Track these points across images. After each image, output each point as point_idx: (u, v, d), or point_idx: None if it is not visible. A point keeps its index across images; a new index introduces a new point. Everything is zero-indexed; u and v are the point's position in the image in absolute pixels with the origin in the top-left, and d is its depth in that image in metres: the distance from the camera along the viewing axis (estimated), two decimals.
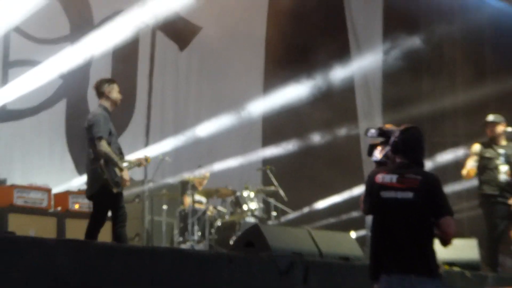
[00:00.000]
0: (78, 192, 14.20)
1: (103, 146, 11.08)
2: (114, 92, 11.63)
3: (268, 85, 19.72)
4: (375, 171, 7.80)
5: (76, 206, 14.04)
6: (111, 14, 17.22)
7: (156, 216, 15.71)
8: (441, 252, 7.89)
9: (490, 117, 13.64)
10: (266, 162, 18.54)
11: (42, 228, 13.16)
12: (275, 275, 9.78)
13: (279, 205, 16.37)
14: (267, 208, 16.20)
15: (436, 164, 21.95)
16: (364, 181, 8.06)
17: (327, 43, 20.31)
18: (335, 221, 19.22)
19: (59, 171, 16.20)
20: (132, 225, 11.99)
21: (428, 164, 21.14)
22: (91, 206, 11.40)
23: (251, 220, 15.17)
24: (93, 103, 16.57)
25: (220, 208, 16.02)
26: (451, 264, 11.41)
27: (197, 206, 15.44)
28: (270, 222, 15.82)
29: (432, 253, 7.54)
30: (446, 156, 22.54)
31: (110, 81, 11.83)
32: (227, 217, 15.60)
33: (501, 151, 13.31)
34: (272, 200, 16.32)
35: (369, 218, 8.24)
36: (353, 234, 15.72)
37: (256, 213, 15.54)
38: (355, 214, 18.98)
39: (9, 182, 14.29)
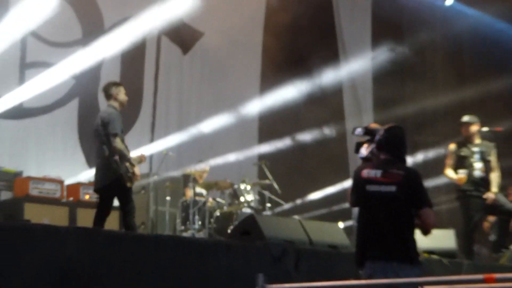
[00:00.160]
0: (89, 184, 14.20)
1: (118, 143, 11.17)
2: (121, 94, 11.66)
3: (264, 87, 19.72)
4: (361, 166, 7.84)
5: (87, 197, 14.05)
6: (120, 20, 17.22)
7: (160, 207, 15.72)
8: (421, 241, 7.94)
9: (465, 118, 13.69)
10: (262, 157, 18.54)
11: (55, 217, 13.17)
12: (269, 261, 9.80)
13: (273, 197, 16.38)
14: (262, 200, 16.20)
15: (418, 161, 22.00)
16: (351, 175, 8.09)
17: (318, 50, 20.35)
18: (325, 212, 19.20)
19: (71, 164, 16.18)
20: (138, 214, 11.95)
21: (410, 161, 21.20)
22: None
23: (247, 211, 15.16)
24: (103, 102, 16.59)
25: (219, 199, 16.01)
26: (430, 252, 11.42)
27: (197, 197, 15.44)
28: (265, 213, 15.82)
29: (413, 242, 7.58)
30: (427, 154, 22.58)
31: (117, 84, 11.88)
32: (225, 208, 15.58)
33: (476, 149, 13.35)
34: (267, 193, 16.32)
35: (355, 210, 8.26)
36: (340, 224, 15.72)
37: (252, 204, 15.54)
38: (342, 206, 19.03)
39: (25, 174, 14.28)
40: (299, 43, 19.60)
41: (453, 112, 19.91)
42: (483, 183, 13.20)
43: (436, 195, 20.44)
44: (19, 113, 15.82)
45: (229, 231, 13.86)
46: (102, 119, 11.26)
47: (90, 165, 15.95)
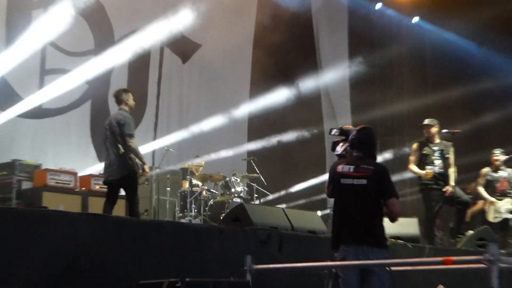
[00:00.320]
0: (99, 176, 14.15)
1: (134, 143, 11.20)
2: (131, 99, 11.65)
3: (253, 93, 19.72)
4: (336, 162, 7.86)
5: (97, 187, 14.01)
6: (128, 33, 17.17)
7: (161, 196, 15.68)
8: (389, 228, 7.95)
9: (426, 121, 13.74)
10: (250, 154, 18.52)
11: (70, 204, 13.12)
12: (256, 245, 9.78)
13: (260, 188, 16.36)
14: (250, 191, 16.19)
15: (387, 158, 22.02)
16: (327, 170, 8.09)
17: (300, 61, 20.47)
18: (305, 202, 19.24)
19: (83, 158, 16.14)
20: (142, 203, 11.96)
21: (380, 157, 21.24)
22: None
23: (237, 200, 15.14)
24: (113, 104, 16.60)
25: (213, 190, 16.00)
26: (396, 237, 11.41)
27: (194, 188, 15.42)
28: (253, 202, 15.82)
29: (381, 228, 7.59)
30: (394, 152, 22.61)
31: (126, 90, 11.85)
32: (218, 198, 15.58)
33: (436, 148, 13.39)
34: (254, 185, 16.31)
35: (331, 200, 8.26)
36: (318, 213, 15.72)
37: (242, 195, 15.53)
38: (320, 196, 19.06)
39: (43, 167, 14.21)
40: (284, 55, 19.61)
41: (416, 116, 19.93)
42: (442, 177, 13.26)
43: (402, 188, 20.50)
44: (38, 113, 15.77)
45: (221, 218, 13.84)
46: (118, 120, 11.21)
47: (100, 159, 15.92)
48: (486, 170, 14.77)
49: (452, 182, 13.17)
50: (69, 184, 13.83)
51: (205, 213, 15.07)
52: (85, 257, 8.26)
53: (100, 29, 17.08)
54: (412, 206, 19.17)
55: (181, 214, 15.28)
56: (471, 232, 13.26)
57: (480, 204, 15.46)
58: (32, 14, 15.80)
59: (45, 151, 15.67)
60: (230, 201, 15.19)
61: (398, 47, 23.86)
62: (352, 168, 7.57)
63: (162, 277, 7.21)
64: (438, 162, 13.28)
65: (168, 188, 15.72)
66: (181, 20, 17.01)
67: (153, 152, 17.09)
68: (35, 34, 15.31)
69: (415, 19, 23.41)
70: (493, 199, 14.50)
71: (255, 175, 16.33)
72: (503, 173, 14.72)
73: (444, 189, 13.16)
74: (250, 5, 19.95)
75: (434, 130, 13.54)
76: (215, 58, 18.41)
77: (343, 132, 8.04)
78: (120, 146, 11.10)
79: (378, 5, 23.23)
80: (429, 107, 22.49)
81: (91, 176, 14.43)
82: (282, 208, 11.91)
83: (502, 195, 14.55)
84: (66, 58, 16.36)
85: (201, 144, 17.92)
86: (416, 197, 15.56)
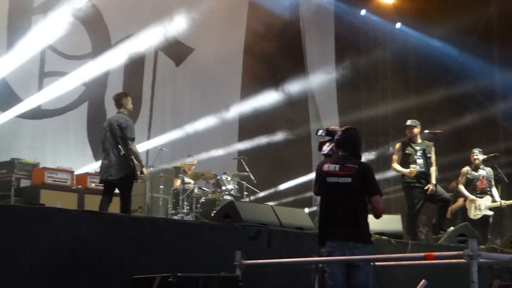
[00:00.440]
0: (95, 174, 14.12)
1: (135, 146, 11.25)
2: (130, 103, 11.62)
3: (244, 95, 19.71)
4: (322, 162, 7.85)
5: (93, 185, 13.96)
6: (124, 37, 17.18)
7: (154, 193, 15.63)
8: (373, 224, 7.96)
9: (409, 122, 13.74)
10: (241, 153, 18.49)
11: (66, 201, 13.08)
12: (246, 240, 9.76)
13: (250, 186, 16.32)
14: (240, 188, 16.14)
15: (371, 157, 22.04)
16: (314, 169, 8.09)
17: (289, 65, 20.46)
18: (293, 200, 19.23)
19: (80, 157, 16.10)
20: (136, 200, 11.96)
21: (365, 156, 21.25)
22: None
23: (228, 198, 15.09)
24: (109, 106, 16.67)
25: (204, 188, 15.95)
26: (380, 234, 11.39)
27: (186, 186, 15.37)
28: (243, 200, 15.78)
29: (366, 224, 7.59)
30: (378, 151, 22.64)
31: (126, 94, 11.77)
32: (209, 195, 15.54)
33: (418, 148, 13.39)
34: (244, 183, 16.27)
35: (318, 198, 8.24)
36: (306, 210, 15.71)
37: (232, 192, 15.49)
38: (307, 194, 19.06)
39: (41, 165, 14.19)
40: (273, 60, 19.61)
41: (400, 117, 19.94)
42: (424, 176, 13.25)
43: (386, 186, 20.52)
44: (37, 114, 15.77)
45: (212, 214, 13.79)
46: (120, 124, 11.18)
47: (96, 158, 15.93)
48: (466, 169, 14.78)
49: (433, 180, 13.17)
50: (66, 182, 13.79)
51: (196, 210, 15.03)
52: (81, 252, 8.23)
53: (97, 33, 17.06)
54: (395, 204, 19.19)
55: (173, 211, 15.23)
56: (452, 228, 13.25)
57: (460, 201, 15.48)
58: (32, 19, 15.85)
59: (44, 151, 15.66)
60: (221, 198, 15.15)
61: (382, 51, 23.92)
62: (337, 167, 7.56)
63: (155, 272, 7.17)
64: (420, 161, 13.28)
65: (161, 186, 15.68)
66: (175, 25, 17.01)
67: (147, 151, 17.05)
68: (34, 38, 15.34)
69: (398, 25, 23.46)
70: (473, 196, 14.52)
71: (245, 173, 16.30)
72: (483, 171, 14.74)
73: (426, 187, 13.15)
74: (241, 12, 19.98)
75: (416, 130, 13.55)
76: (207, 61, 18.41)
77: (329, 133, 8.04)
78: (121, 147, 11.06)
79: (363, 12, 23.27)
80: (412, 108, 22.53)
81: (87, 174, 14.39)
82: (271, 206, 11.89)
83: (482, 192, 14.58)
84: (64, 61, 16.35)
85: (193, 143, 17.90)
86: (399, 195, 15.57)
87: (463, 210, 14.93)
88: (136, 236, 8.84)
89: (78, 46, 16.66)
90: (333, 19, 22.31)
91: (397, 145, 13.70)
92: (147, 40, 16.82)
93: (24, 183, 13.71)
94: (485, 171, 14.76)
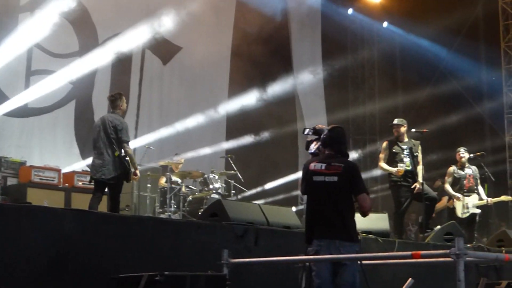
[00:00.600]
0: (82, 172, 14.12)
1: (130, 148, 11.25)
2: (124, 104, 11.57)
3: (232, 93, 19.72)
4: (309, 160, 7.85)
5: (80, 183, 13.92)
6: (111, 36, 17.18)
7: (142, 192, 15.58)
8: (360, 223, 7.95)
9: (395, 121, 13.74)
10: (228, 151, 18.48)
11: (53, 200, 13.02)
12: (233, 239, 9.74)
13: (237, 185, 16.32)
14: (228, 187, 16.13)
15: (358, 155, 22.10)
16: (300, 168, 8.10)
17: (276, 64, 20.48)
18: (280, 198, 19.25)
19: (67, 156, 16.09)
20: (123, 198, 11.89)
21: (352, 155, 21.30)
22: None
23: (215, 196, 15.07)
24: (97, 104, 16.74)
25: (191, 186, 15.92)
26: (367, 232, 11.39)
27: (173, 185, 15.33)
28: (230, 198, 15.76)
29: (352, 223, 7.58)
30: (365, 149, 22.70)
31: (121, 95, 11.68)
32: (197, 194, 15.52)
33: (404, 146, 13.39)
34: (232, 181, 16.26)
35: (305, 197, 8.24)
36: (293, 208, 15.72)
37: (220, 191, 15.47)
38: (294, 193, 19.10)
39: (28, 164, 14.14)
40: (261, 58, 19.62)
41: (387, 116, 20.01)
42: (411, 174, 13.25)
43: (373, 184, 20.59)
44: (24, 112, 15.76)
45: (199, 213, 13.77)
46: (115, 125, 11.10)
47: (83, 157, 15.97)
48: (452, 168, 14.79)
49: (420, 179, 13.18)
50: (53, 180, 13.74)
51: (184, 208, 15.01)
52: (67, 251, 8.20)
53: (84, 32, 17.05)
54: (382, 202, 19.24)
55: (161, 210, 15.20)
56: (439, 227, 13.28)
57: (444, 200, 15.52)
58: (19, 18, 15.85)
59: (30, 149, 15.64)
60: (208, 197, 15.13)
61: (370, 50, 24.03)
62: (323, 165, 7.56)
63: (142, 271, 7.15)
64: (407, 160, 13.28)
65: (148, 185, 15.65)
66: (162, 24, 17.01)
67: (134, 150, 16.93)
68: (21, 37, 15.31)
69: (385, 24, 23.54)
70: (459, 195, 14.52)
71: (233, 172, 16.28)
72: (469, 170, 14.76)
73: (412, 186, 13.17)
74: (229, 11, 20.01)
75: (403, 129, 13.56)
76: (195, 60, 18.42)
77: (316, 132, 8.05)
78: (115, 148, 11.04)
79: (350, 11, 23.34)
80: (399, 107, 22.63)
81: (74, 173, 14.35)
82: (258, 204, 11.86)
83: (469, 191, 14.59)
84: (51, 59, 16.34)
85: (180, 142, 17.90)
86: (387, 194, 15.59)
87: (450, 208, 14.95)
88: (123, 235, 8.81)
89: (65, 44, 16.65)
90: (320, 18, 22.36)
91: (384, 144, 13.71)
92: (134, 38, 16.84)
93: (11, 181, 13.67)
94: (471, 170, 14.78)
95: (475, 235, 14.71)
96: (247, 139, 19.41)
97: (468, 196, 14.53)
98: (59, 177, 13.93)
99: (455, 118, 21.84)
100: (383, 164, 13.50)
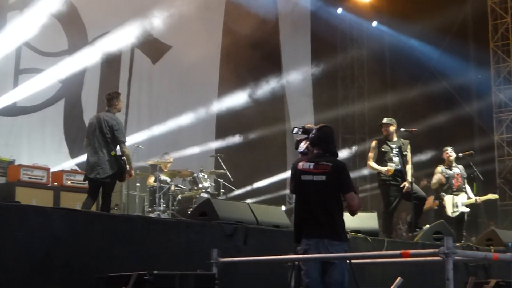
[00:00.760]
0: (71, 171, 14.07)
1: (127, 148, 11.32)
2: (120, 103, 11.60)
3: (221, 92, 19.73)
4: (297, 160, 7.85)
5: (69, 182, 13.87)
6: (101, 34, 17.16)
7: (131, 191, 15.56)
8: (349, 222, 7.95)
9: (384, 120, 13.73)
10: (218, 151, 18.47)
11: (42, 199, 12.97)
12: (222, 238, 9.73)
13: (226, 184, 16.32)
14: (217, 186, 16.13)
15: (347, 154, 22.12)
16: (288, 167, 8.10)
17: (266, 63, 20.49)
18: (269, 197, 19.26)
19: (56, 154, 16.07)
20: (113, 197, 11.84)
21: (344, 154, 21.35)
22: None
23: (205, 195, 15.07)
24: (86, 103, 16.69)
25: (181, 185, 15.92)
26: (356, 231, 11.39)
27: (162, 184, 15.30)
28: (219, 197, 15.76)
29: (341, 222, 7.59)
30: (354, 148, 22.73)
31: (118, 94, 11.68)
32: (186, 193, 15.51)
33: (394, 146, 13.38)
34: (221, 180, 16.25)
35: (294, 196, 8.23)
36: (283, 207, 15.71)
37: (209, 190, 15.47)
38: (282, 192, 19.12)
39: (17, 162, 14.10)
40: (251, 58, 19.65)
41: (376, 115, 20.05)
42: (400, 174, 13.24)
43: (362, 184, 20.60)
44: (13, 111, 15.70)
45: (189, 212, 13.75)
46: (112, 125, 11.12)
47: (72, 156, 15.97)
48: (440, 168, 14.81)
49: (409, 178, 13.19)
50: (41, 179, 13.67)
51: (173, 207, 15.00)
52: (56, 250, 8.17)
53: (73, 30, 17.02)
54: (372, 201, 19.28)
55: (150, 209, 15.19)
56: (427, 226, 13.30)
57: (430, 200, 15.55)
58: (8, 16, 15.79)
59: (19, 148, 15.61)
60: (197, 196, 15.13)
61: (359, 50, 24.08)
62: (311, 165, 7.56)
63: (131, 270, 7.14)
64: (396, 159, 13.28)
65: (137, 184, 15.64)
66: (152, 23, 16.97)
67: None
68: (10, 35, 15.25)
69: (375, 23, 23.59)
70: (448, 195, 14.57)
71: (222, 171, 16.28)
72: (456, 169, 14.80)
73: (401, 185, 13.17)
74: (219, 10, 20.01)
75: (392, 128, 13.54)
76: (184, 59, 18.41)
77: (305, 131, 8.04)
78: (112, 147, 11.03)
79: (339, 10, 23.38)
80: (388, 106, 22.68)
81: (63, 171, 14.29)
82: (248, 203, 11.86)
83: (458, 190, 14.62)
84: (40, 58, 16.30)
85: (170, 141, 17.89)
86: (376, 193, 15.60)
87: (439, 207, 14.98)
88: (112, 234, 8.79)
89: (54, 43, 16.62)
90: (310, 18, 22.39)
91: (373, 143, 13.69)
92: (124, 37, 16.77)
93: (0, 180, 13.61)
94: (458, 169, 14.82)
95: (464, 234, 14.74)
96: (237, 139, 19.43)
97: (457, 195, 14.56)
98: (48, 176, 13.88)
99: (444, 117, 21.89)
100: (372, 163, 13.50)
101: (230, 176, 16.30)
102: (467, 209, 14.59)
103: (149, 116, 18.45)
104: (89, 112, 16.49)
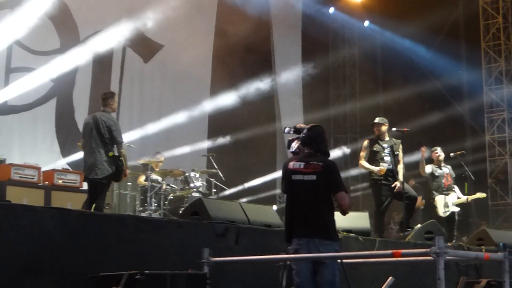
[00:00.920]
0: (62, 170, 13.99)
1: (124, 149, 11.34)
2: (115, 103, 11.60)
3: (213, 92, 19.73)
4: (288, 159, 7.85)
5: (60, 181, 13.81)
6: (92, 33, 17.13)
7: (122, 190, 15.56)
8: (340, 221, 7.95)
9: (376, 119, 13.74)
10: (210, 150, 18.48)
11: (33, 198, 12.89)
12: (213, 237, 9.72)
13: (218, 184, 16.31)
14: (209, 186, 16.14)
15: (338, 154, 22.12)
16: (278, 167, 8.10)
17: (257, 63, 20.51)
18: (261, 197, 19.27)
19: (48, 153, 16.03)
20: None
21: (336, 153, 21.35)
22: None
23: (196, 195, 15.07)
24: (78, 102, 16.66)
25: (172, 185, 15.91)
26: (348, 231, 11.39)
27: (154, 183, 15.29)
28: (211, 197, 15.75)
29: (332, 222, 7.59)
30: (346, 148, 22.74)
31: (114, 94, 11.68)
32: (177, 192, 15.50)
33: (385, 145, 13.39)
34: (213, 180, 16.25)
35: (285, 195, 8.23)
36: (274, 207, 15.72)
37: (201, 189, 15.47)
38: (273, 192, 19.13)
39: (8, 161, 14.04)
40: (242, 57, 19.68)
41: (368, 114, 20.07)
42: (391, 173, 13.25)
43: (354, 183, 20.62)
44: (4, 110, 15.67)
45: (180, 211, 13.75)
46: (109, 126, 11.14)
47: (64, 155, 15.93)
48: (430, 167, 14.83)
49: (401, 178, 13.20)
50: (32, 178, 13.60)
51: (164, 207, 14.98)
52: (47, 249, 8.15)
53: (65, 29, 16.98)
54: (363, 201, 19.29)
55: (141, 208, 15.18)
56: (419, 225, 13.31)
57: (418, 200, 15.58)
58: None
59: (10, 147, 15.56)
60: (189, 195, 15.14)
61: (351, 49, 24.08)
62: (302, 164, 7.56)
63: (122, 269, 7.13)
64: (387, 158, 13.29)
65: (128, 183, 15.62)
66: (143, 22, 16.97)
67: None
68: (1, 34, 15.19)
69: (366, 23, 23.62)
70: (438, 195, 14.60)
71: (214, 170, 16.27)
72: (445, 169, 14.86)
73: (393, 185, 13.18)
74: (211, 10, 20.01)
75: (384, 128, 13.56)
76: (176, 58, 18.40)
77: (297, 130, 8.04)
78: (109, 148, 11.02)
79: (331, 10, 23.40)
80: (380, 106, 22.70)
81: (54, 170, 14.21)
82: (239, 203, 11.85)
83: (448, 189, 14.67)
84: (31, 56, 16.27)
85: (161, 140, 17.87)
86: (368, 192, 15.61)
87: (430, 207, 15.00)
88: (103, 233, 8.77)
89: (46, 41, 16.59)
90: (301, 17, 22.40)
91: (365, 143, 13.70)
92: (115, 36, 16.79)
93: None
94: (447, 168, 14.88)
95: (455, 233, 14.77)
96: (229, 138, 19.43)
97: (447, 194, 14.60)
98: (39, 175, 13.80)
99: (436, 117, 21.94)
100: (364, 163, 13.50)
101: (221, 175, 16.29)
102: (458, 209, 14.64)
103: (141, 115, 18.43)
104: (81, 111, 16.47)
